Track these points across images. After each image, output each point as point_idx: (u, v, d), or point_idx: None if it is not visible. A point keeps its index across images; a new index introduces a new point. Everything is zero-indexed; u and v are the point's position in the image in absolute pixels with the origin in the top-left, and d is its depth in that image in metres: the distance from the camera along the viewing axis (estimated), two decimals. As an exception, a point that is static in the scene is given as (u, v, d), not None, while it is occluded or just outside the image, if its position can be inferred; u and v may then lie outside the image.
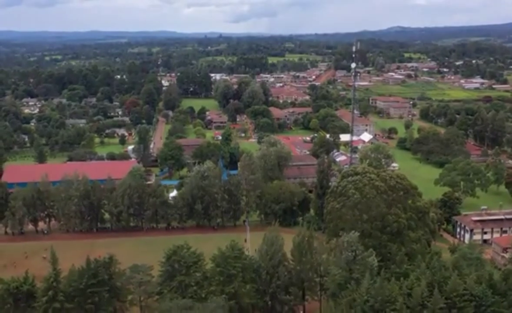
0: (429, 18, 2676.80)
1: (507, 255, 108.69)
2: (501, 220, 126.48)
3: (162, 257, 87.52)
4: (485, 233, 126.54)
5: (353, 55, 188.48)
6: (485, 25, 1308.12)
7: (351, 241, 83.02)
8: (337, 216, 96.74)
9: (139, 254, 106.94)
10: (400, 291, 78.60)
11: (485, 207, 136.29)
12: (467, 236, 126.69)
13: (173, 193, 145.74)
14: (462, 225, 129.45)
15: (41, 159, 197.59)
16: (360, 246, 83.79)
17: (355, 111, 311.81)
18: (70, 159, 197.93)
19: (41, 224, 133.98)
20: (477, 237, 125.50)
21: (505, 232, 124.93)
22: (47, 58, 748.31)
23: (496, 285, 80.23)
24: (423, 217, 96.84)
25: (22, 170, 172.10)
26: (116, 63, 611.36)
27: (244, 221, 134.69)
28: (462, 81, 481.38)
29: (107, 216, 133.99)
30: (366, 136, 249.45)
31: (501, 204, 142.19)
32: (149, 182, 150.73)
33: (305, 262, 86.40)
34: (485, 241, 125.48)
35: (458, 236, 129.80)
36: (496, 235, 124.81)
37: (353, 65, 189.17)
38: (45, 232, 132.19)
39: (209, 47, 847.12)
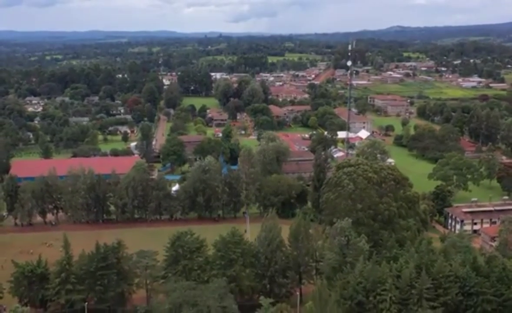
0: (429, 17, 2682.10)
1: (494, 244, 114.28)
2: (490, 211, 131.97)
3: (166, 243, 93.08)
4: (475, 224, 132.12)
5: (349, 54, 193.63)
6: (485, 24, 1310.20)
7: (344, 227, 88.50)
8: (332, 205, 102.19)
9: (144, 243, 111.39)
10: (390, 273, 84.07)
11: (475, 199, 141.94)
12: (458, 226, 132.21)
13: (175, 187, 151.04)
14: (453, 216, 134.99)
15: (46, 154, 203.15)
16: (353, 232, 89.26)
17: (353, 109, 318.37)
18: (75, 155, 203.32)
19: (49, 216, 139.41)
20: (468, 227, 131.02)
21: (494, 222, 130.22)
22: (48, 58, 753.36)
23: (479, 267, 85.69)
24: (413, 206, 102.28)
25: (29, 165, 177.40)
26: (117, 62, 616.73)
27: (243, 213, 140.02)
28: (459, 80, 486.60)
29: (112, 208, 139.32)
30: (364, 133, 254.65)
31: (491, 196, 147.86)
32: (152, 177, 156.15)
33: (302, 248, 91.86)
34: (475, 231, 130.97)
35: (449, 227, 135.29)
36: (485, 225, 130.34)
37: (349, 63, 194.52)
38: (53, 223, 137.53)
39: (209, 47, 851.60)
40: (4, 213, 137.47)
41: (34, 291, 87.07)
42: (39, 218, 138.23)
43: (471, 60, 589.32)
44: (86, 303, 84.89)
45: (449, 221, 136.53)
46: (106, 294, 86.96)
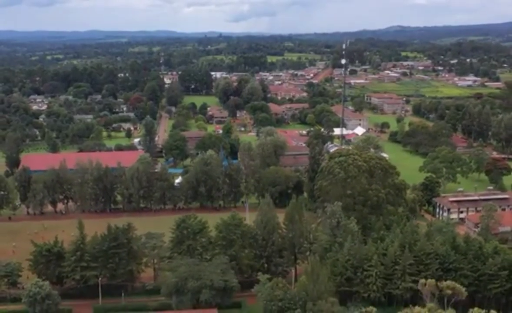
0: (429, 17, 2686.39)
1: (477, 230, 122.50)
2: (476, 200, 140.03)
3: (172, 226, 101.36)
4: (461, 212, 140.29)
5: (343, 52, 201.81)
6: (485, 24, 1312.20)
7: (335, 210, 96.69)
8: (325, 192, 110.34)
9: (149, 230, 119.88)
10: (376, 251, 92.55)
11: (461, 189, 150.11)
12: (445, 215, 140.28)
13: (178, 180, 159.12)
14: (441, 206, 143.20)
15: (54, 149, 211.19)
16: (343, 215, 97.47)
17: (350, 107, 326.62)
18: (81, 151, 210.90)
19: (59, 206, 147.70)
20: (454, 216, 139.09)
21: (479, 211, 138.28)
22: (48, 58, 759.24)
23: (458, 246, 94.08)
24: (400, 193, 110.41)
25: (38, 159, 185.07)
26: (118, 62, 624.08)
27: (243, 202, 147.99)
28: (455, 79, 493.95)
29: (119, 198, 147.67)
30: (360, 130, 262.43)
31: (476, 186, 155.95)
32: (156, 171, 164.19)
33: (296, 230, 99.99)
34: (461, 219, 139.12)
35: (437, 216, 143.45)
36: (471, 213, 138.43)
37: (343, 61, 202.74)
38: (63, 212, 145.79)
39: (209, 46, 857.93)
40: (17, 203, 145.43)
41: (51, 268, 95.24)
42: (50, 208, 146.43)
43: (468, 60, 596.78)
44: (100, 279, 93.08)
45: (437, 210, 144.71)
46: (117, 272, 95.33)
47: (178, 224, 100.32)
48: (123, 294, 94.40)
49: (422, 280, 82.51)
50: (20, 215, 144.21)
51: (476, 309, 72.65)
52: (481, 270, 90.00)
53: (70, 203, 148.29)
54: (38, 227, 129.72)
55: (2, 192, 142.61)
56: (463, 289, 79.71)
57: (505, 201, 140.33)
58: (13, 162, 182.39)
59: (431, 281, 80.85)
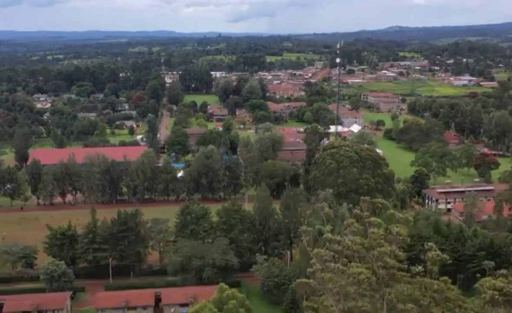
0: (428, 18, 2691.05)
1: (462, 218, 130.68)
2: (462, 191, 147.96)
3: (176, 213, 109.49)
4: (449, 202, 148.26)
5: (337, 52, 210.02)
6: (484, 24, 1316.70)
7: (327, 196, 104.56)
8: (318, 181, 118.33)
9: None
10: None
11: (449, 181, 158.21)
12: (433, 205, 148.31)
13: (180, 174, 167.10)
14: (430, 197, 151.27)
15: (60, 145, 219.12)
16: (334, 201, 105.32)
17: (347, 106, 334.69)
18: (86, 147, 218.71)
19: (68, 197, 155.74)
20: (442, 206, 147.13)
21: (466, 201, 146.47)
22: (49, 58, 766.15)
23: (440, 229, 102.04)
24: (388, 182, 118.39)
25: (46, 154, 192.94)
26: (118, 62, 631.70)
27: (242, 194, 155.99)
28: (451, 78, 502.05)
29: (124, 189, 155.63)
30: (356, 127, 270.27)
31: (463, 179, 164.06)
32: (159, 165, 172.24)
33: (291, 216, 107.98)
34: (449, 209, 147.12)
35: (426, 206, 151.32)
36: (458, 203, 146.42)
37: (337, 60, 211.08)
38: (72, 203, 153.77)
39: (208, 47, 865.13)
40: (28, 194, 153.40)
41: (65, 250, 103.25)
42: (59, 199, 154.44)
43: (464, 60, 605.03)
44: (111, 260, 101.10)
45: (426, 201, 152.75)
46: (126, 253, 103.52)
47: (182, 210, 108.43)
48: (132, 274, 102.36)
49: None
50: (31, 205, 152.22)
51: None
52: (461, 251, 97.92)
53: (78, 194, 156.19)
54: (46, 216, 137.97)
55: (13, 184, 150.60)
56: (446, 256, 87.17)
57: (490, 192, 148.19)
58: (22, 157, 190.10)
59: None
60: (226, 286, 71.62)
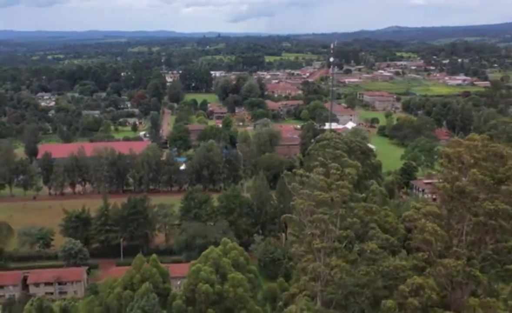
0: (427, 18, 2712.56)
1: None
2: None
3: (181, 198, 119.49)
4: (434, 192, 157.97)
5: (331, 51, 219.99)
6: (483, 25, 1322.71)
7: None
8: (311, 170, 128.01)
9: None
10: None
11: (434, 172, 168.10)
12: (420, 195, 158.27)
13: (182, 167, 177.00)
14: (417, 187, 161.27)
15: (67, 140, 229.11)
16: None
17: (343, 104, 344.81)
18: (91, 142, 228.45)
19: (77, 187, 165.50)
20: (428, 195, 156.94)
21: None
22: (49, 57, 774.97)
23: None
24: (376, 171, 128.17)
25: (55, 148, 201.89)
26: (118, 61, 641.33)
27: (241, 185, 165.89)
28: (446, 78, 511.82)
29: (131, 180, 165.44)
30: (351, 125, 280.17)
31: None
32: (162, 159, 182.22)
33: (286, 201, 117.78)
34: (434, 199, 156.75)
35: (413, 196, 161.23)
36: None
37: (331, 59, 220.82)
38: (81, 193, 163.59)
39: (208, 47, 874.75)
40: (40, 185, 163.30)
41: (80, 231, 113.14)
42: (69, 189, 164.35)
43: (459, 60, 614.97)
44: (122, 240, 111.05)
45: (414, 191, 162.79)
46: (135, 234, 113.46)
47: (186, 196, 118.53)
48: (141, 253, 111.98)
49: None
50: (43, 195, 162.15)
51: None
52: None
53: (87, 185, 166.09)
54: (58, 205, 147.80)
55: (26, 176, 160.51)
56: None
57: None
58: (32, 151, 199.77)
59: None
60: (229, 240, 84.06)
